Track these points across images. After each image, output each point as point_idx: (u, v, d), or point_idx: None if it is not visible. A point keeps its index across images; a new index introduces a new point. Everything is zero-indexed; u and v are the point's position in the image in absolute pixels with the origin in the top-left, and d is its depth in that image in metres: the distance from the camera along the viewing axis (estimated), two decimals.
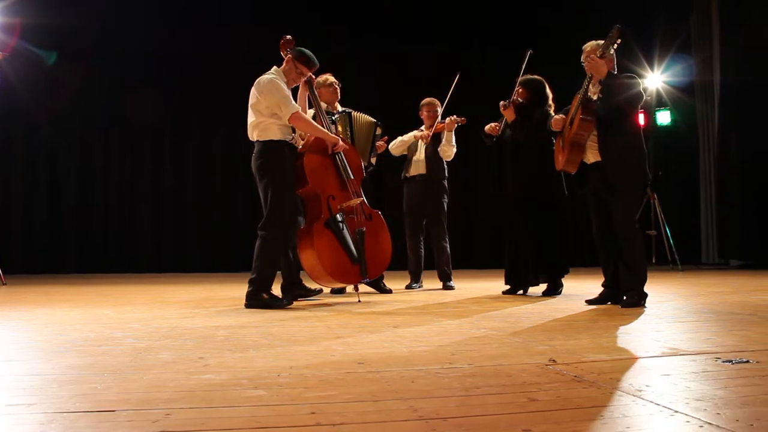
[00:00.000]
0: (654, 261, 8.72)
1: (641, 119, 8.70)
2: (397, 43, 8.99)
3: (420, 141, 5.58)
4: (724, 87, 8.69)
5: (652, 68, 9.13)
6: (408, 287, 5.60)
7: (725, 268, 8.69)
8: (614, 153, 3.88)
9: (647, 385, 1.76)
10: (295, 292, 4.52)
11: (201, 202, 8.48)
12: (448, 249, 5.63)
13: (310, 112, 4.57)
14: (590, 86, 4.02)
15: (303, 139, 4.41)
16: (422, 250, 5.70)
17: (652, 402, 1.58)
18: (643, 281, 3.90)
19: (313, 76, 4.47)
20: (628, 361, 2.15)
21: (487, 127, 4.96)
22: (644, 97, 4.01)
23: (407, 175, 5.64)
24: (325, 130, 4.34)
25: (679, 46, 9.02)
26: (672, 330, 2.91)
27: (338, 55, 8.46)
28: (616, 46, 3.82)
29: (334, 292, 5.08)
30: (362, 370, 2.02)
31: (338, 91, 5.11)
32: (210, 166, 8.58)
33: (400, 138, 5.65)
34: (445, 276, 5.60)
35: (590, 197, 4.13)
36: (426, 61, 8.94)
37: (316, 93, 4.52)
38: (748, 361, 2.08)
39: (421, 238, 5.68)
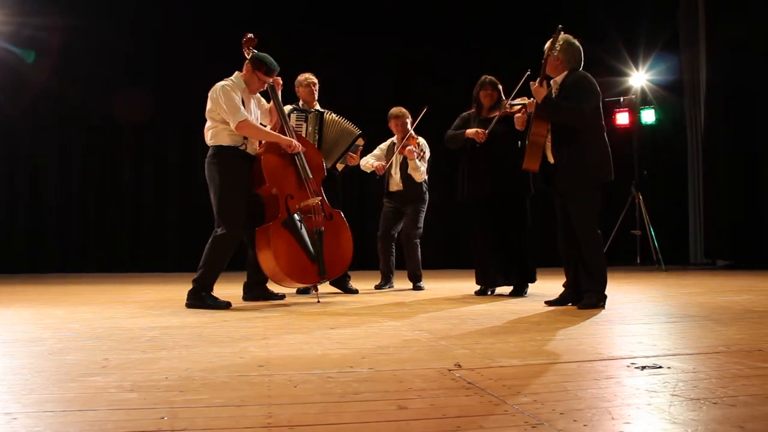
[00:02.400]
0: (639, 261, 8.59)
1: (626, 118, 8.62)
2: (396, 43, 8.95)
3: (395, 155, 5.51)
4: (711, 85, 8.54)
5: (636, 66, 8.98)
6: (377, 287, 5.52)
7: (711, 269, 8.54)
8: (565, 155, 3.80)
9: (535, 393, 1.69)
10: (256, 292, 4.46)
11: (182, 201, 8.44)
12: (419, 250, 5.54)
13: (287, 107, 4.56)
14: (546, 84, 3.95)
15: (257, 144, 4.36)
16: (393, 251, 5.63)
17: (524, 413, 1.50)
18: (602, 282, 3.81)
19: (280, 81, 4.41)
20: (538, 366, 2.07)
21: (471, 132, 4.58)
22: (587, 112, 3.74)
23: (388, 190, 5.58)
24: (277, 134, 4.27)
25: (665, 44, 8.87)
26: (610, 333, 2.83)
27: (333, 55, 8.47)
28: (558, 46, 3.81)
29: (300, 292, 5.03)
30: (255, 374, 1.96)
31: (315, 90, 5.05)
32: (192, 167, 8.50)
33: (368, 161, 5.56)
34: (414, 277, 5.52)
35: (556, 196, 4.05)
36: (422, 61, 8.86)
37: (279, 97, 4.45)
38: (660, 367, 2.00)
39: (393, 242, 5.62)
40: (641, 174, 8.50)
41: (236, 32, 4.34)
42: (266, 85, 4.23)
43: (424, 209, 5.55)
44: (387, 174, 5.56)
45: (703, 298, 4.36)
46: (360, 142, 5.06)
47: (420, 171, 5.40)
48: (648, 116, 8.72)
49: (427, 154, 5.49)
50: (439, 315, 3.57)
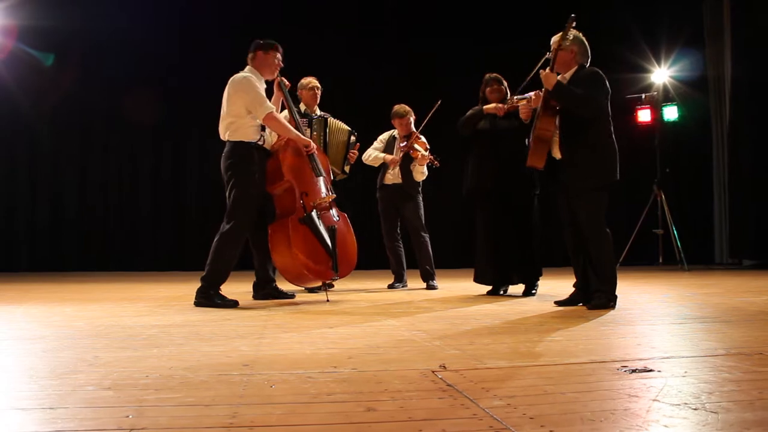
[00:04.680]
0: (661, 261, 8.40)
1: (648, 115, 8.44)
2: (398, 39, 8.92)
3: (396, 151, 5.47)
4: (736, 80, 8.31)
5: (658, 62, 8.75)
6: (390, 287, 5.49)
7: (737, 268, 8.30)
8: (573, 153, 3.72)
9: (511, 397, 1.65)
10: (267, 290, 4.47)
11: (200, 201, 8.53)
12: (429, 245, 5.49)
13: (284, 113, 4.54)
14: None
15: (273, 139, 4.38)
16: (402, 249, 5.58)
17: (493, 416, 1.46)
18: (611, 282, 3.73)
19: (286, 81, 4.43)
20: (524, 368, 2.03)
21: (491, 107, 4.55)
22: (599, 102, 3.70)
23: (383, 182, 5.54)
24: (298, 133, 4.31)
25: (688, 39, 8.64)
26: (611, 335, 2.75)
27: (335, 54, 8.46)
28: (571, 36, 3.72)
29: (309, 291, 5.02)
30: (236, 373, 1.95)
31: (318, 95, 5.10)
32: (210, 166, 8.57)
33: (375, 153, 5.52)
34: (427, 275, 5.46)
35: (560, 195, 3.97)
36: (422, 59, 8.81)
37: (289, 96, 4.47)
38: (651, 371, 1.94)
39: (399, 237, 5.58)
40: (663, 172, 8.31)
41: (256, 32, 4.32)
42: (279, 65, 4.23)
43: (421, 199, 5.52)
44: (383, 168, 5.54)
45: (719, 299, 4.24)
46: (353, 139, 5.13)
47: (424, 173, 5.43)
48: (670, 113, 8.51)
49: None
50: (443, 315, 3.53)
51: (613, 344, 2.52)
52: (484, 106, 4.63)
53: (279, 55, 4.19)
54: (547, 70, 3.74)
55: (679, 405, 1.54)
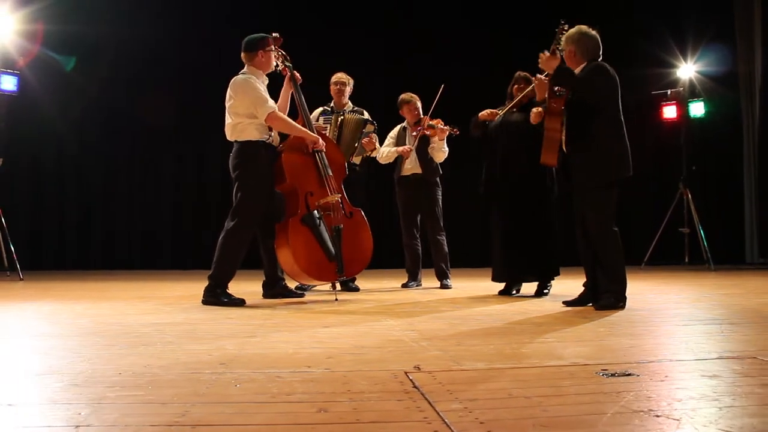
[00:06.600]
0: (687, 260, 8.16)
1: (673, 111, 8.21)
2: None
3: (408, 139, 5.44)
4: (767, 76, 8.02)
5: (685, 57, 8.49)
6: (404, 286, 5.47)
7: (767, 268, 8.01)
8: (577, 150, 3.66)
9: (472, 400, 1.60)
10: (276, 290, 4.48)
11: (221, 200, 8.61)
12: (446, 245, 5.44)
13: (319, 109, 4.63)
14: None
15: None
16: (419, 248, 5.54)
17: (443, 421, 1.42)
18: (621, 282, 3.64)
19: (298, 76, 4.42)
20: (500, 371, 1.98)
21: (483, 114, 4.62)
22: (596, 84, 3.61)
23: (401, 174, 5.49)
24: (304, 129, 4.29)
25: (716, 33, 8.35)
26: (606, 336, 2.67)
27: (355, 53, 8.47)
28: (563, 43, 3.69)
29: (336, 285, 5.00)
30: (208, 371, 1.96)
31: (342, 90, 5.10)
32: (228, 166, 8.68)
33: (386, 150, 5.47)
34: (442, 274, 5.42)
35: (574, 193, 3.89)
36: (425, 62, 8.76)
37: (299, 90, 4.46)
38: (630, 375, 1.88)
39: (417, 235, 5.52)
40: (689, 169, 8.08)
41: (261, 30, 4.32)
42: (285, 70, 4.27)
43: (440, 195, 5.46)
44: (400, 160, 5.48)
45: (736, 300, 4.10)
46: (369, 128, 5.06)
47: (444, 151, 5.34)
48: (697, 109, 8.27)
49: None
50: (444, 315, 3.49)
51: (604, 346, 2.44)
52: (479, 114, 4.63)
53: (273, 46, 4.19)
54: (547, 54, 3.66)
55: (642, 411, 1.48)
